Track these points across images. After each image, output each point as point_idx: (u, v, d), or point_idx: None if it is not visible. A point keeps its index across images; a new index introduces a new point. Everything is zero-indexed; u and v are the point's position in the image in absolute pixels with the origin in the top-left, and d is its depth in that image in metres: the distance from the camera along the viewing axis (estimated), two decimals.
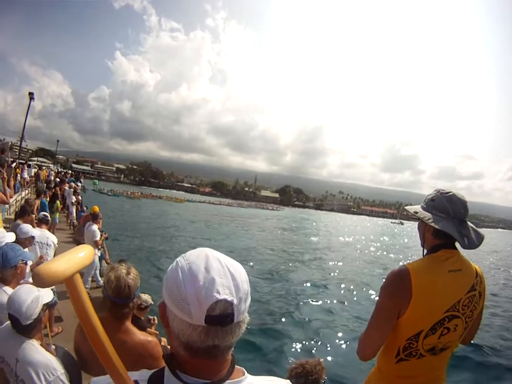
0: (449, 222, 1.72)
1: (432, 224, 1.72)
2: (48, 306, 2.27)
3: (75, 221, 13.06)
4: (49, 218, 5.52)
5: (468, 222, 1.76)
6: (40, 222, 5.47)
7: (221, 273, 0.74)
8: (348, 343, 9.07)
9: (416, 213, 1.85)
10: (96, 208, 8.15)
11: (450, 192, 1.78)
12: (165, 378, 0.79)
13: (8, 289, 2.67)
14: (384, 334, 1.76)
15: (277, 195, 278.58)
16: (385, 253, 30.90)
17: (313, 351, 8.28)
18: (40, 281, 0.75)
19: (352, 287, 15.32)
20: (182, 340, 0.75)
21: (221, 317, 0.71)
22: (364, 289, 15.14)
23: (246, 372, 0.84)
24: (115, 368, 0.85)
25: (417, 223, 1.91)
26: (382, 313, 1.77)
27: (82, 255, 0.86)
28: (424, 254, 1.83)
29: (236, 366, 0.83)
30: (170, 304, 0.76)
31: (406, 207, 1.99)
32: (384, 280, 1.78)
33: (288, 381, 0.89)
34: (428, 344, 1.70)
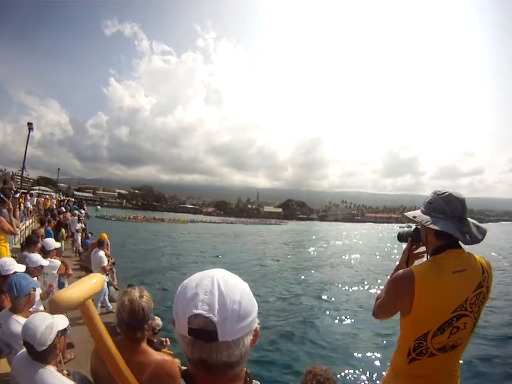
0: (448, 221, 1.75)
1: (432, 226, 1.75)
2: (62, 333, 2.30)
3: (80, 248, 13.10)
4: (49, 247, 5.52)
5: (469, 219, 1.79)
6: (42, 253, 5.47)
7: (207, 290, 0.78)
8: (361, 348, 9.08)
9: (415, 217, 1.88)
10: (105, 235, 8.21)
11: (446, 192, 1.82)
12: None
13: (20, 318, 2.71)
14: (388, 317, 1.94)
15: (280, 210, 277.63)
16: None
17: (326, 358, 8.31)
18: (56, 307, 0.82)
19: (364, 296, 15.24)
20: (183, 351, 0.81)
21: (201, 331, 0.74)
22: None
23: None
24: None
25: None
26: (386, 304, 1.89)
27: (94, 282, 0.94)
28: (429, 256, 1.87)
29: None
30: (173, 316, 0.82)
31: (405, 213, 2.01)
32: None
33: None
34: (438, 343, 1.73)
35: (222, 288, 0.78)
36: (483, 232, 1.78)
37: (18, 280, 2.81)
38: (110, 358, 0.88)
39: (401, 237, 2.23)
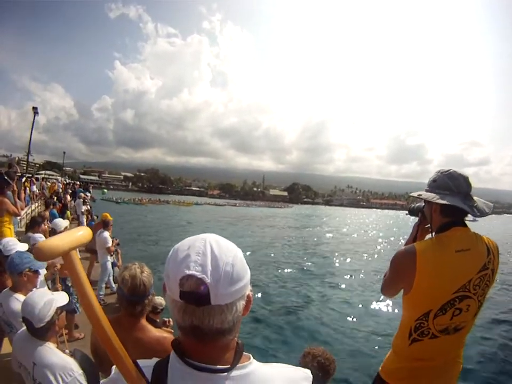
0: (454, 197, 1.72)
1: (439, 201, 1.72)
2: (67, 312, 2.29)
3: None
4: (60, 228, 5.57)
5: (473, 196, 1.75)
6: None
7: (200, 251, 0.76)
8: (361, 328, 9.18)
9: (420, 195, 1.86)
10: (107, 215, 8.22)
11: (450, 169, 1.80)
12: (170, 360, 0.81)
13: (20, 296, 2.71)
14: (393, 293, 1.94)
15: (285, 193, 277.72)
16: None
17: (323, 339, 8.40)
18: (40, 255, 0.81)
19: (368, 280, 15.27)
20: (174, 318, 0.79)
21: (194, 294, 0.73)
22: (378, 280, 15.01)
23: (252, 357, 0.84)
24: (109, 340, 0.87)
25: None
26: (390, 280, 1.89)
27: (80, 234, 0.93)
28: (434, 234, 1.83)
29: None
30: (165, 282, 0.80)
31: (411, 194, 1.99)
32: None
33: (300, 367, 0.90)
34: (440, 324, 1.71)
35: (215, 250, 0.77)
36: (490, 207, 1.76)
37: (12, 257, 2.82)
38: (90, 308, 0.86)
39: (412, 212, 2.22)
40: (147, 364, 0.85)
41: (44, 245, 0.82)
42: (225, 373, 0.77)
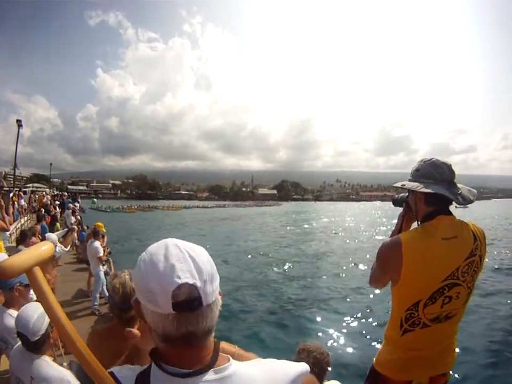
0: (438, 185, 1.72)
1: (423, 190, 1.72)
2: None
3: (76, 241, 13.05)
4: (55, 243, 5.49)
5: (457, 184, 1.77)
6: None
7: (180, 258, 0.75)
8: (354, 322, 9.21)
9: (404, 185, 1.85)
10: (100, 225, 8.16)
11: (432, 158, 1.81)
12: (152, 370, 0.79)
13: (13, 312, 2.67)
14: (381, 285, 1.94)
15: (275, 191, 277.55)
16: None
17: (316, 334, 8.43)
18: (3, 273, 0.82)
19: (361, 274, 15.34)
20: (159, 332, 0.76)
21: (187, 301, 0.72)
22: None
23: (231, 358, 0.83)
24: (82, 355, 0.87)
25: None
26: (377, 272, 1.89)
27: (42, 249, 0.94)
28: (419, 224, 1.84)
29: (220, 353, 0.82)
30: (141, 299, 0.77)
31: (394, 184, 1.97)
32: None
33: (288, 361, 0.88)
34: (430, 313, 1.72)
35: (191, 253, 0.77)
36: (474, 194, 1.77)
37: None
38: (59, 325, 0.87)
39: (396, 202, 2.19)
40: (126, 374, 0.83)
41: (5, 263, 0.82)
42: (205, 376, 0.76)
